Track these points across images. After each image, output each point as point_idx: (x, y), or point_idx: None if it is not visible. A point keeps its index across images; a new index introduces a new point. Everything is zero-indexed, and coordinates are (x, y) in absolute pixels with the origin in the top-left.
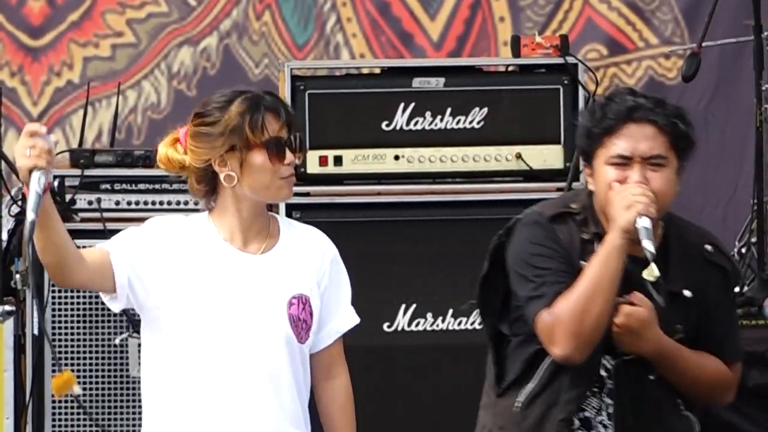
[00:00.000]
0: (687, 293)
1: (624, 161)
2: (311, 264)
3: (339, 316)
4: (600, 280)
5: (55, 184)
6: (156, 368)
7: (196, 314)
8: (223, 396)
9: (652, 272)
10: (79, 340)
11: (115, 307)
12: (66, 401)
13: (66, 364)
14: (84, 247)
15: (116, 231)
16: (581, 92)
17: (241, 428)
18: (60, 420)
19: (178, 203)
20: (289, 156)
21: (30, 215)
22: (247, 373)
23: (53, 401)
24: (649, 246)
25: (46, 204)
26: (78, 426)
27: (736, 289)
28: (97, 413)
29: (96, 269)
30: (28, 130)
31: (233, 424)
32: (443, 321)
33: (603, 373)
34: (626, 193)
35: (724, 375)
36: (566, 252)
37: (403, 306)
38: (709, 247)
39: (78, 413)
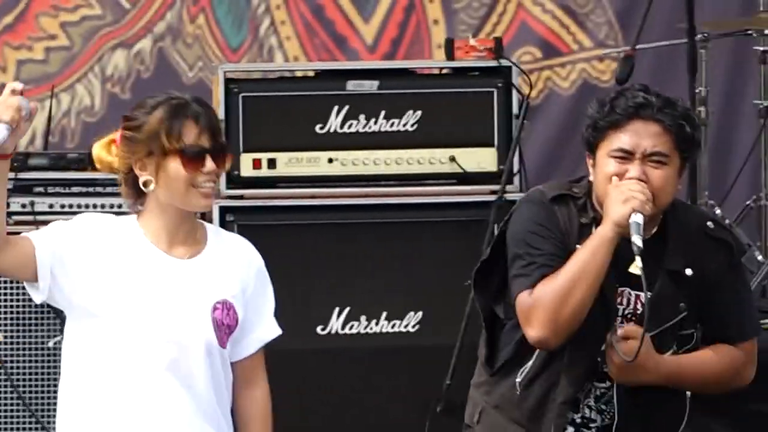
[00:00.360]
0: (688, 272)
1: (625, 155)
2: (237, 272)
3: (262, 327)
4: (586, 269)
5: None
6: (75, 367)
7: (118, 315)
8: (140, 396)
9: (637, 266)
10: (13, 342)
11: (37, 297)
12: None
13: (1, 367)
14: None
15: None
16: (515, 95)
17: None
18: None
19: (112, 206)
20: (208, 164)
21: None
22: (166, 375)
23: None
24: (637, 241)
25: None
26: (14, 426)
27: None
28: (32, 414)
29: (17, 258)
30: (10, 86)
31: (148, 426)
32: (377, 324)
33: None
34: (624, 188)
35: (731, 364)
36: (563, 235)
37: (337, 309)
38: (710, 224)
39: (13, 411)
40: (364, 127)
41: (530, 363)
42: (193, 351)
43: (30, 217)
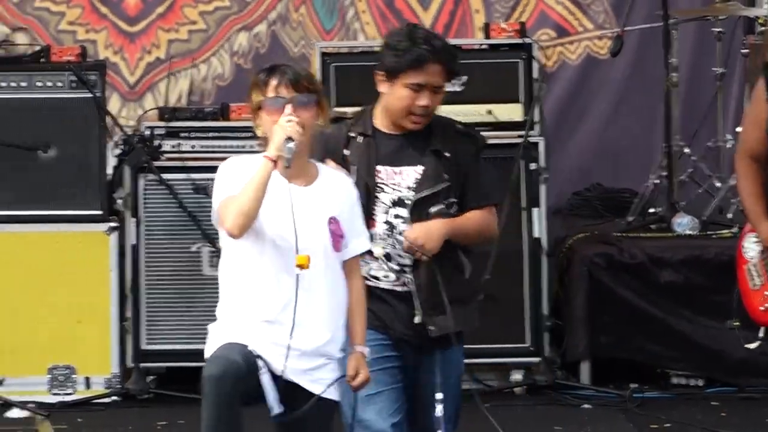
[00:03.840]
0: (447, 154)
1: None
2: (340, 199)
3: (358, 239)
4: None
5: (148, 133)
6: (232, 267)
7: (262, 227)
8: (276, 291)
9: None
10: (165, 247)
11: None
12: (156, 294)
13: (156, 267)
14: (169, 180)
15: (192, 168)
16: (535, 65)
17: (287, 319)
18: (152, 306)
19: (239, 147)
20: (287, 110)
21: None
22: (294, 275)
23: (147, 293)
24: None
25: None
26: (165, 310)
27: (651, 210)
28: (178, 301)
29: None
30: (289, 117)
31: (283, 314)
32: None
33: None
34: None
35: (484, 221)
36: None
37: None
38: (459, 126)
39: (165, 300)
40: None
41: None
42: (315, 252)
43: (177, 155)
